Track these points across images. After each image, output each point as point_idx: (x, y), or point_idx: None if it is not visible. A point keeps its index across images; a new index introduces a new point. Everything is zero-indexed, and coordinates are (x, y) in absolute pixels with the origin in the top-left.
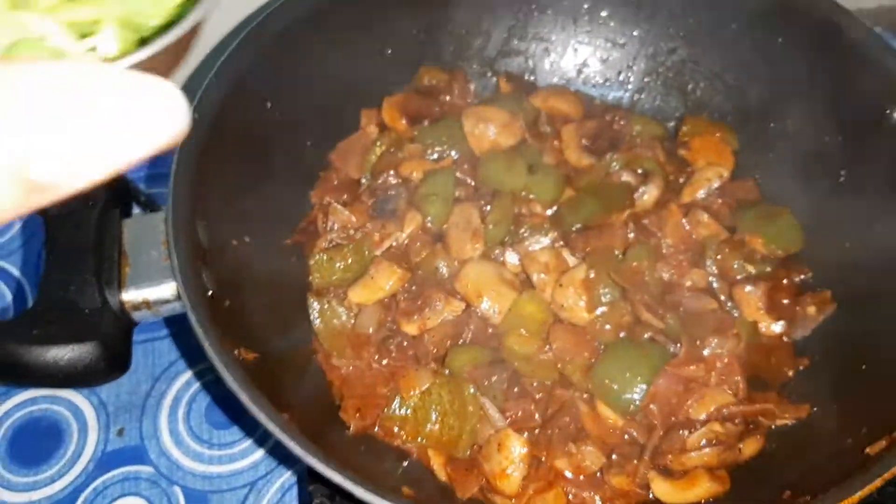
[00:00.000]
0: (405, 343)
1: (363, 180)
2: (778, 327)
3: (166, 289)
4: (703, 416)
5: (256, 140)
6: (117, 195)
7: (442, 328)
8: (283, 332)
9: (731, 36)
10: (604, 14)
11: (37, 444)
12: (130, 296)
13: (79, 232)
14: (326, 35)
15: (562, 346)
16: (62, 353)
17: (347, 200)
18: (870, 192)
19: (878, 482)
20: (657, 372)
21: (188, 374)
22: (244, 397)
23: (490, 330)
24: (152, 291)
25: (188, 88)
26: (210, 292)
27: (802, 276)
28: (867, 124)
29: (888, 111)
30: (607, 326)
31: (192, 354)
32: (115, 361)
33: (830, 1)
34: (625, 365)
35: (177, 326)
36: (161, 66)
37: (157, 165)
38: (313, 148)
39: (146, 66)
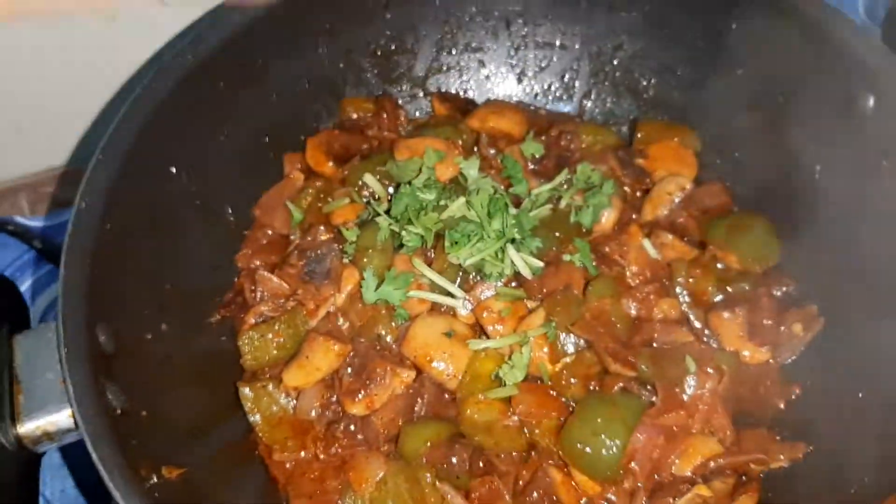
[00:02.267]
0: (352, 426)
1: (293, 237)
2: (763, 354)
3: (65, 415)
4: (689, 472)
5: (165, 211)
6: (4, 307)
7: (392, 404)
8: (216, 430)
9: (680, 24)
10: (538, 15)
11: None
12: (27, 429)
13: None
14: (229, 80)
15: (526, 408)
16: None
17: (276, 262)
18: (849, 189)
19: None
20: (633, 427)
21: None
22: None
23: (446, 396)
24: (52, 421)
25: (77, 162)
26: (119, 410)
27: (785, 289)
28: (838, 113)
29: (860, 99)
30: (573, 380)
31: None
32: None
33: None
34: (597, 424)
35: None
36: None
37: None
38: (234, 205)
39: None
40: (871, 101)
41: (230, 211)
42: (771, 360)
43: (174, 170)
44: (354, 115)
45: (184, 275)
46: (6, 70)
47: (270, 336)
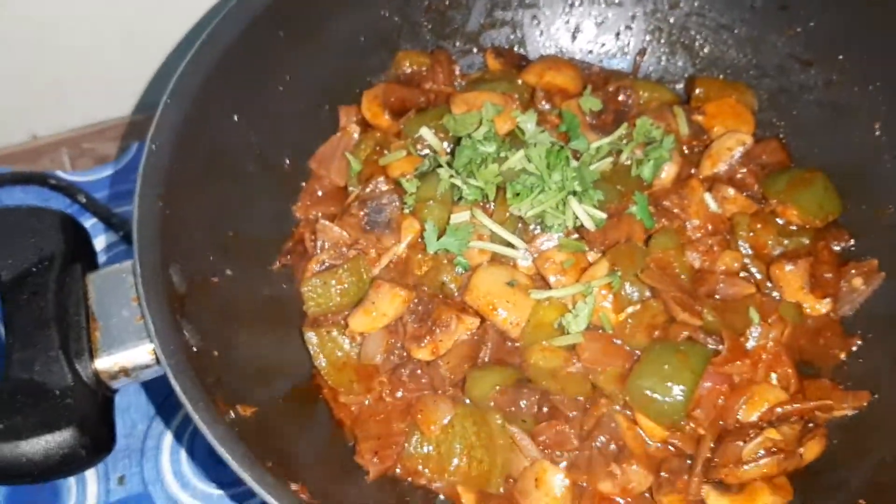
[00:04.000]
0: (418, 371)
1: (350, 188)
2: (824, 306)
3: (144, 351)
4: (755, 418)
5: (227, 158)
6: (76, 246)
7: (457, 350)
8: (282, 374)
9: None
10: None
11: (33, 499)
12: (105, 364)
13: (37, 299)
14: (289, 30)
15: (591, 356)
16: (35, 447)
17: (336, 213)
18: None
19: None
20: (700, 374)
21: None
22: (247, 477)
23: (509, 344)
24: (129, 356)
25: (143, 108)
26: (195, 348)
27: (843, 245)
28: None
29: None
30: (638, 329)
31: None
32: (97, 445)
33: None
34: (664, 371)
35: None
36: None
37: (119, 181)
38: (291, 157)
39: None
40: None
41: (287, 162)
42: (832, 313)
43: (236, 118)
44: (409, 70)
45: (245, 222)
46: (45, 25)
47: (334, 283)
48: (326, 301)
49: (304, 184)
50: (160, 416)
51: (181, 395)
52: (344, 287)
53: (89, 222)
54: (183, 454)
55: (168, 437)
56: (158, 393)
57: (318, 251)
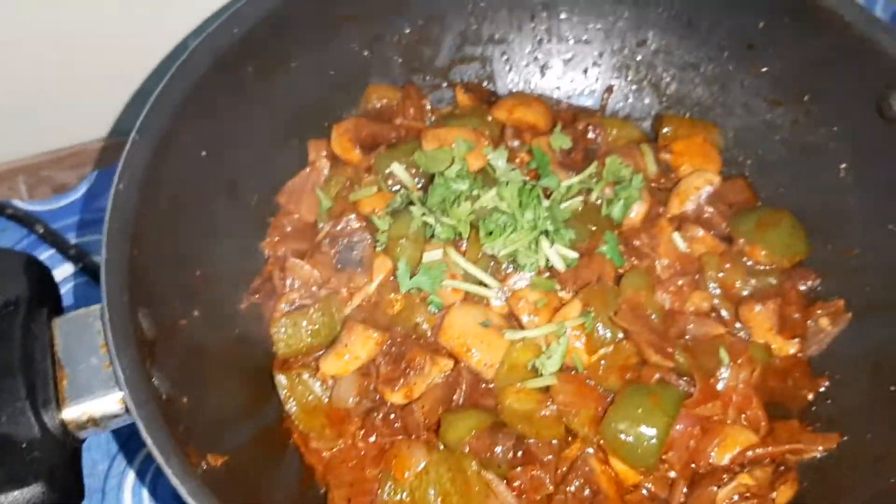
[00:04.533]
0: (392, 414)
1: (320, 224)
2: (792, 347)
3: (113, 400)
4: (727, 461)
5: (194, 195)
6: (41, 289)
7: (431, 393)
8: (251, 418)
9: (707, 22)
10: (563, 9)
11: None
12: (72, 414)
13: (1, 346)
14: (258, 65)
15: (565, 398)
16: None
17: (305, 250)
18: (875, 188)
19: None
20: (674, 417)
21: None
22: None
23: (483, 386)
24: (97, 405)
25: (105, 136)
26: (164, 396)
27: (810, 285)
28: (866, 112)
29: (890, 98)
30: (611, 370)
31: None
32: (66, 498)
33: None
34: (638, 414)
35: None
36: None
37: (89, 209)
38: (259, 192)
39: None
40: None
41: (256, 197)
42: (799, 354)
43: (204, 153)
44: (378, 104)
45: (213, 261)
46: (6, 51)
47: (304, 323)
48: (297, 342)
49: (271, 219)
50: (123, 452)
51: (153, 449)
52: (315, 328)
53: (46, 253)
54: (145, 494)
55: (130, 477)
56: (121, 431)
57: (288, 290)
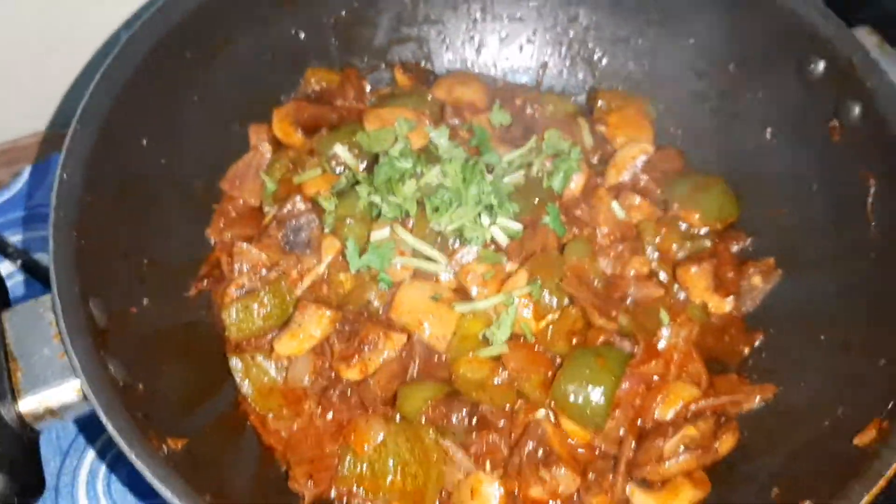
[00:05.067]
0: (348, 391)
1: (266, 209)
2: (727, 304)
3: (69, 389)
4: (671, 416)
5: (138, 184)
6: None
7: (386, 367)
8: (207, 402)
9: None
10: None
11: None
12: (29, 406)
13: None
14: (196, 51)
15: (516, 364)
16: None
17: (251, 235)
18: (800, 150)
19: (882, 483)
20: (620, 377)
21: (102, 442)
22: None
23: (436, 358)
24: (54, 395)
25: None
26: (121, 383)
27: (742, 245)
28: (788, 78)
29: (809, 63)
30: (558, 336)
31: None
32: (27, 490)
33: None
34: (585, 375)
35: None
36: None
37: (12, 208)
38: (203, 179)
39: None
40: (822, 66)
41: (199, 184)
42: (735, 311)
43: (145, 142)
44: (318, 87)
45: (160, 249)
46: None
47: (255, 307)
48: (249, 325)
49: (216, 206)
50: (74, 448)
51: (115, 435)
52: (266, 310)
53: None
54: (101, 488)
55: (83, 473)
56: (71, 428)
57: (237, 274)
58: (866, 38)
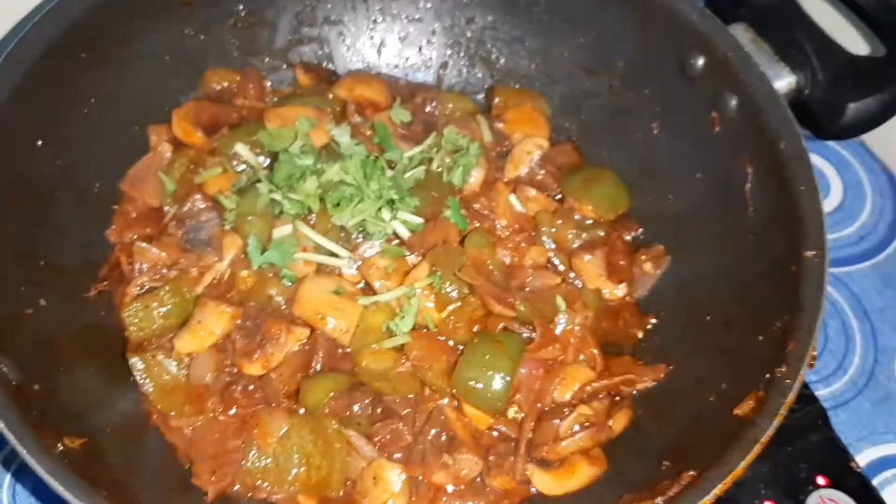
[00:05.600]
0: (251, 386)
1: (166, 208)
2: (621, 290)
3: None
4: (568, 397)
5: (33, 186)
6: None
7: (289, 361)
8: (108, 402)
9: None
10: None
11: None
12: None
13: None
14: (91, 52)
15: (419, 353)
16: None
17: (152, 235)
18: (685, 141)
19: (757, 449)
20: (518, 361)
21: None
22: None
23: (340, 351)
24: None
25: None
26: (14, 382)
27: (634, 234)
28: (671, 74)
29: (690, 59)
30: (459, 325)
31: None
32: None
33: None
34: (485, 361)
35: None
36: None
37: None
38: (101, 180)
39: None
40: (701, 62)
41: (98, 186)
42: (628, 297)
43: (40, 143)
44: (218, 87)
45: (57, 251)
46: None
47: (155, 305)
48: (149, 324)
49: (116, 207)
50: None
51: (6, 431)
52: (167, 308)
53: None
54: (5, 499)
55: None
56: None
57: (137, 274)
58: (742, 34)
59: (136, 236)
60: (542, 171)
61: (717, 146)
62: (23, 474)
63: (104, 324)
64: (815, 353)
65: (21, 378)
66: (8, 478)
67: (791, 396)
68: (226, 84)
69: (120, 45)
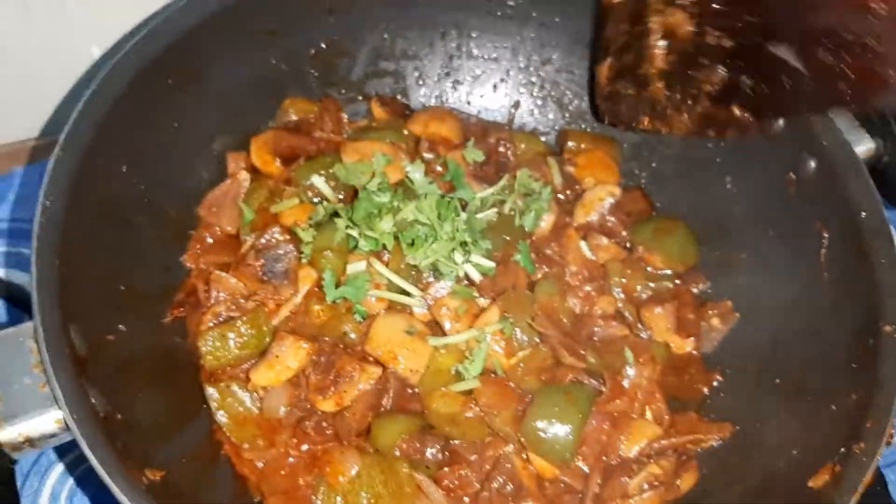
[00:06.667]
0: (323, 422)
1: (244, 237)
2: (688, 345)
3: (49, 420)
4: (635, 453)
5: (117, 210)
6: None
7: (361, 399)
8: (183, 430)
9: None
10: (473, 28)
11: None
12: (8, 436)
13: None
14: (178, 77)
15: (487, 400)
16: None
17: (227, 262)
18: (757, 198)
19: None
20: (587, 414)
21: (61, 466)
22: None
23: (410, 391)
24: (33, 425)
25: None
26: (101, 413)
27: (701, 287)
28: None
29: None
30: (529, 372)
31: None
32: None
33: None
34: (555, 412)
35: None
36: None
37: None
38: (179, 205)
39: None
40: (781, 120)
41: (175, 210)
42: (694, 351)
43: (125, 168)
44: (295, 117)
45: (136, 275)
46: None
47: (232, 335)
48: (225, 354)
49: (192, 232)
50: (34, 473)
51: (99, 468)
52: (243, 340)
53: None
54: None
55: (45, 497)
56: None
57: (213, 302)
58: None
59: (211, 262)
60: (612, 219)
61: (792, 207)
62: (84, 482)
63: (178, 350)
64: (892, 431)
65: (107, 408)
66: (70, 482)
67: (869, 475)
68: (302, 115)
69: (204, 71)
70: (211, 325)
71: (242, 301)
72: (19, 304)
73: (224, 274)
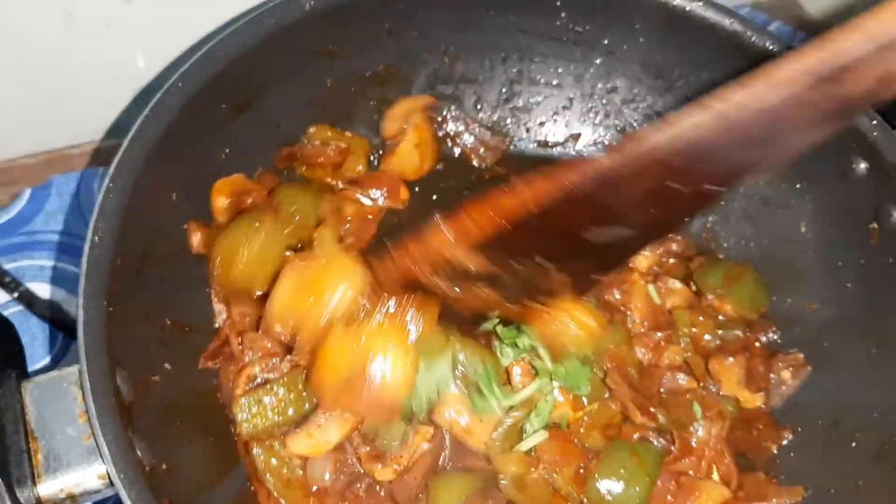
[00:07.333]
0: (377, 486)
1: None
2: (758, 399)
3: (93, 474)
4: None
5: (164, 240)
6: (7, 349)
7: (420, 461)
8: (224, 481)
9: (675, 75)
10: (536, 53)
11: None
12: (49, 490)
13: None
14: (231, 102)
15: (552, 455)
16: None
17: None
18: (835, 247)
19: None
20: (655, 476)
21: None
22: None
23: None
24: (75, 479)
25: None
26: (147, 467)
27: (769, 336)
28: (829, 174)
29: (852, 162)
30: (594, 428)
31: None
32: None
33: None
34: (621, 473)
35: None
36: None
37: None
38: None
39: None
40: (864, 167)
41: None
42: (763, 405)
43: (175, 196)
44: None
45: (180, 308)
46: None
47: (269, 400)
48: (262, 421)
49: None
50: None
51: None
52: (281, 406)
53: None
54: None
55: None
56: None
57: (247, 362)
58: None
59: (244, 314)
60: (672, 261)
61: (873, 259)
62: None
63: (216, 391)
64: None
65: (152, 460)
66: None
67: None
68: (324, 143)
69: (258, 94)
70: (247, 389)
71: (277, 361)
72: (63, 328)
73: (257, 334)
